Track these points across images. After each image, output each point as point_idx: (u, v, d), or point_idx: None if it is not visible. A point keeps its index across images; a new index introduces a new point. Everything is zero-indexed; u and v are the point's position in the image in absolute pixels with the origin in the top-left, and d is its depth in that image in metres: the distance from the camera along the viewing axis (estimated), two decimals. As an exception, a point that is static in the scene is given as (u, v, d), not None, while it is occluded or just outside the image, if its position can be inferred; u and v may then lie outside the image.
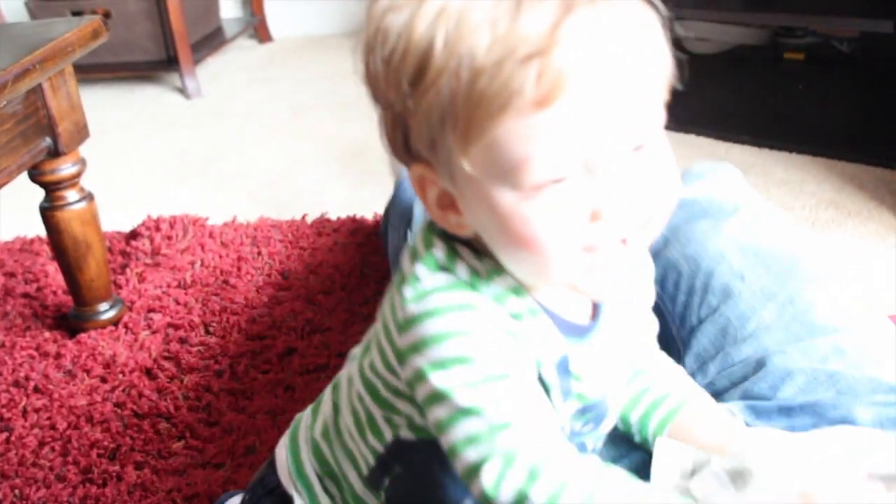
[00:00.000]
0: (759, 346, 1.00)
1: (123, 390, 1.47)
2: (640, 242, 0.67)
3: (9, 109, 1.36)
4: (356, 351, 0.83)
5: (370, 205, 2.03)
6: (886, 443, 0.81)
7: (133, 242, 1.93)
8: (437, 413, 0.68)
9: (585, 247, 0.64)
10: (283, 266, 1.79)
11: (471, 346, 0.67)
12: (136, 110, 2.92)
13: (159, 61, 3.05)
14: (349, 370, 0.83)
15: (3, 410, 1.44)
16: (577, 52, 0.59)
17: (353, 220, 1.97)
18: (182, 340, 1.59)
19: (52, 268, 1.85)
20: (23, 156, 1.41)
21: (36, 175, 1.51)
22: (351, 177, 2.27)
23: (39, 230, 1.84)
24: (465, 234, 0.70)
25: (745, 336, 1.01)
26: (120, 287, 1.76)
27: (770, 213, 1.18)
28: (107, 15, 2.90)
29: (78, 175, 1.54)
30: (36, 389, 1.48)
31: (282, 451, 0.91)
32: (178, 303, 1.70)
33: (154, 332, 1.62)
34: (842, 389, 0.92)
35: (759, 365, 0.97)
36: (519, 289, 0.71)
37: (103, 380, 1.50)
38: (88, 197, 1.57)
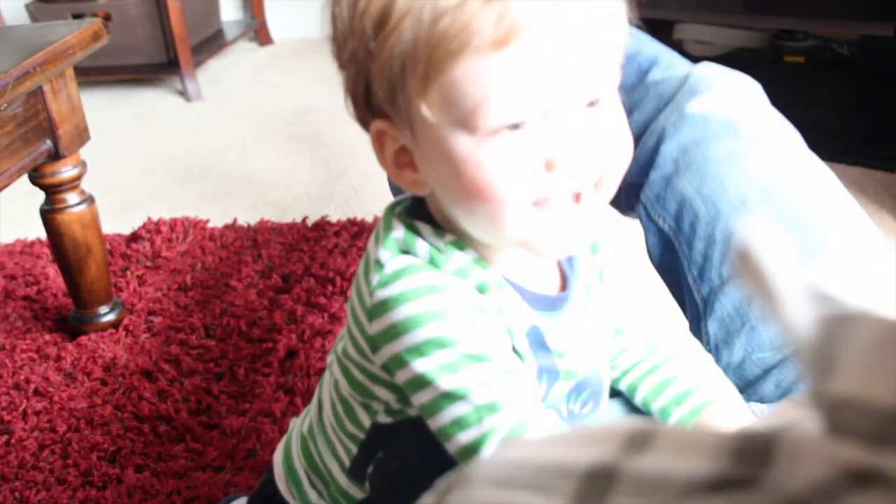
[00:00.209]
0: None
1: (124, 393, 1.46)
2: (594, 203, 0.68)
3: (9, 112, 1.36)
4: (334, 347, 0.84)
5: (370, 207, 2.03)
6: None
7: (133, 245, 1.93)
8: (421, 398, 0.69)
9: (537, 199, 0.65)
10: (284, 269, 1.79)
11: (446, 329, 0.67)
12: (137, 113, 2.92)
13: (160, 64, 3.05)
14: (329, 362, 0.84)
15: (4, 413, 1.44)
16: None
17: (353, 222, 1.96)
18: (182, 343, 1.59)
19: (53, 270, 1.85)
20: (23, 158, 1.41)
21: (36, 178, 1.51)
22: (351, 179, 2.27)
23: (40, 233, 1.84)
24: (421, 191, 0.71)
25: None
26: (120, 290, 1.76)
27: (794, 143, 1.10)
28: (107, 17, 2.90)
29: (78, 178, 1.54)
30: (36, 392, 1.48)
31: (278, 455, 0.92)
32: (178, 305, 1.70)
33: (154, 335, 1.62)
34: None
35: None
36: (482, 261, 0.71)
37: (104, 382, 1.50)
38: (89, 200, 1.57)
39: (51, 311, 1.74)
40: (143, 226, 2.00)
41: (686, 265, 1.04)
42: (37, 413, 1.44)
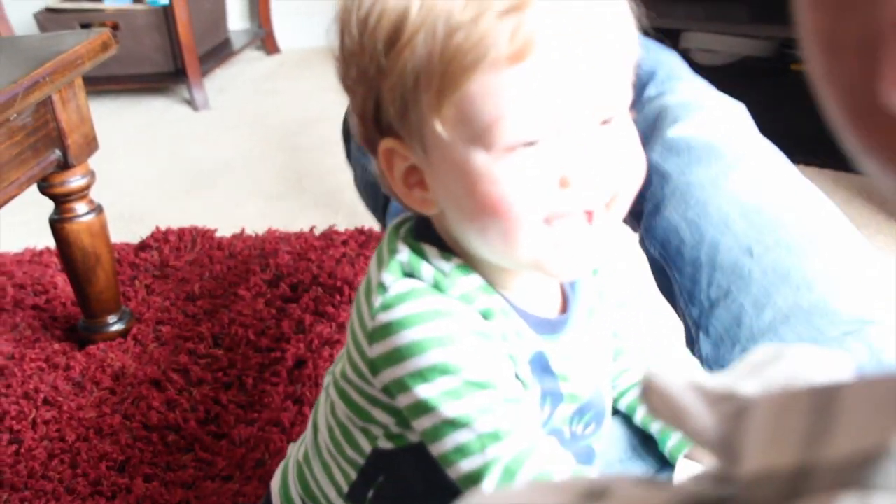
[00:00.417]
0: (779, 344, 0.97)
1: (132, 402, 1.47)
2: (606, 222, 0.67)
3: (19, 122, 1.36)
4: (331, 368, 0.83)
5: (378, 216, 2.03)
6: None
7: (142, 254, 1.93)
8: (423, 423, 0.69)
9: (550, 215, 0.65)
10: (292, 278, 1.80)
11: (450, 355, 0.67)
12: (144, 122, 2.93)
13: (167, 73, 3.06)
14: (325, 384, 0.83)
15: (13, 422, 1.44)
16: (551, 12, 0.60)
17: (360, 231, 1.97)
18: (191, 352, 1.59)
19: (62, 279, 1.86)
20: (32, 168, 1.41)
21: (45, 187, 1.52)
22: (359, 188, 2.27)
23: (49, 242, 1.84)
24: (429, 211, 0.70)
25: (762, 329, 0.95)
26: (129, 299, 1.77)
27: (776, 163, 1.10)
28: (115, 27, 2.91)
29: (87, 187, 1.55)
30: (45, 401, 1.49)
31: (275, 483, 0.92)
32: (186, 315, 1.71)
33: (163, 344, 1.62)
34: None
35: None
36: (488, 287, 0.71)
37: (112, 392, 1.50)
38: (97, 209, 1.58)
39: (60, 321, 1.75)
40: (152, 235, 2.00)
41: (678, 290, 1.04)
42: (46, 422, 1.44)
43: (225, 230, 2.04)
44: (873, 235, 1.83)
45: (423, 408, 0.68)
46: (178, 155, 2.63)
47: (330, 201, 2.21)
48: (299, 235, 1.97)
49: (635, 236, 1.14)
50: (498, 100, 0.61)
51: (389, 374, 0.70)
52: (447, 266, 0.70)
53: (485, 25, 0.60)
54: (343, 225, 2.02)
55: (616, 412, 0.90)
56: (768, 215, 1.01)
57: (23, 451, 1.38)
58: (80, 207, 1.55)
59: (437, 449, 0.68)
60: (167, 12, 2.91)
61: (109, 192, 2.01)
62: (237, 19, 3.56)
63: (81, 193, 1.54)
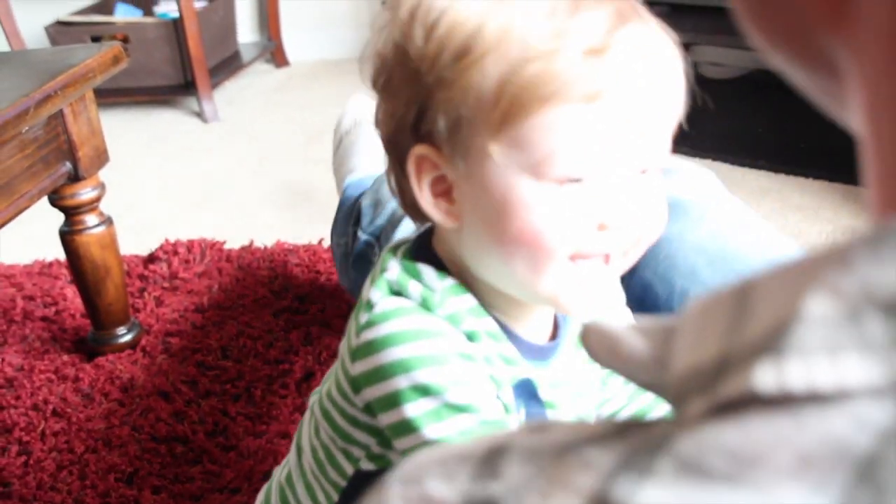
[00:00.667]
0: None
1: (141, 414, 1.47)
2: (619, 266, 0.68)
3: (30, 135, 1.37)
4: (318, 389, 0.83)
5: (387, 229, 2.03)
6: None
7: (151, 266, 1.94)
8: (404, 443, 0.69)
9: (577, 254, 0.65)
10: (300, 290, 1.80)
11: (434, 376, 0.66)
12: (154, 134, 2.94)
13: (177, 86, 3.07)
14: (311, 404, 0.83)
15: (23, 434, 1.44)
16: (629, 60, 0.61)
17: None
18: (199, 364, 1.59)
19: (71, 291, 1.86)
20: (43, 180, 1.42)
21: (56, 199, 1.52)
22: (367, 201, 2.27)
23: (58, 253, 1.85)
24: (450, 224, 0.70)
25: None
26: (138, 311, 1.77)
27: (742, 215, 1.13)
28: (125, 40, 2.92)
29: (97, 199, 1.55)
30: (54, 413, 1.49)
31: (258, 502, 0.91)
32: (195, 326, 1.71)
33: (171, 356, 1.63)
34: None
35: None
36: (478, 309, 0.70)
37: (121, 403, 1.51)
38: (107, 221, 1.58)
39: (69, 332, 1.75)
40: (161, 247, 2.01)
41: None
42: (55, 434, 1.44)
43: (234, 242, 2.04)
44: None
45: (404, 428, 0.68)
46: (188, 167, 2.64)
47: (338, 214, 2.22)
48: (307, 248, 1.97)
49: None
50: (560, 134, 0.61)
51: (371, 393, 0.69)
52: (439, 285, 0.70)
53: (565, 62, 0.60)
54: (352, 237, 2.02)
55: None
56: (733, 261, 1.05)
57: (32, 462, 1.38)
58: (90, 219, 1.56)
59: None
60: (177, 25, 2.93)
61: (119, 203, 2.02)
62: (247, 32, 3.58)
63: (91, 205, 1.55)
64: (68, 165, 1.47)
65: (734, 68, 2.82)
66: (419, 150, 0.68)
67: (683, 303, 1.03)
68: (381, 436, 0.72)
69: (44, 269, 2.00)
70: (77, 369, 1.61)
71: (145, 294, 1.83)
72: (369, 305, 0.70)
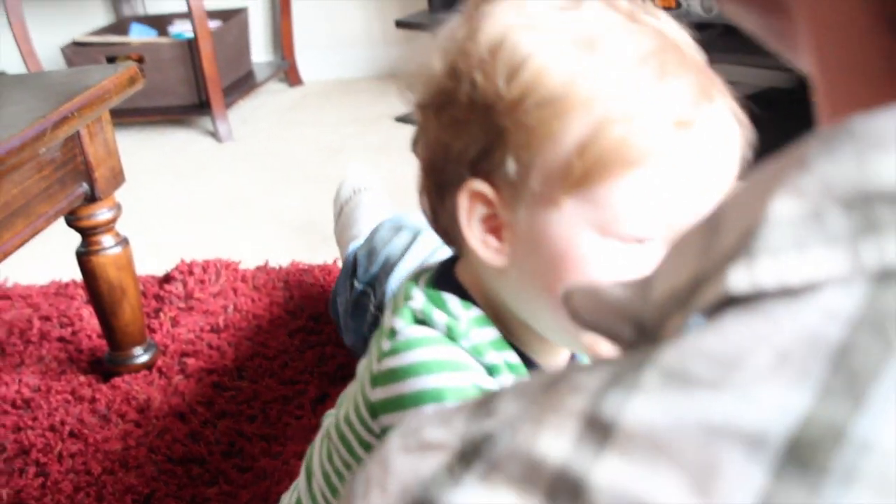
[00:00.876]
0: None
1: (157, 435, 1.47)
2: None
3: (47, 156, 1.38)
4: (331, 410, 0.83)
5: (401, 248, 2.03)
6: None
7: (166, 286, 1.94)
8: None
9: None
10: (315, 310, 1.80)
11: None
12: (168, 154, 2.95)
13: (191, 105, 3.08)
14: (325, 427, 0.83)
15: (40, 455, 1.44)
16: (710, 136, 0.63)
17: (384, 263, 1.97)
18: (215, 385, 1.59)
19: (87, 312, 1.87)
20: (60, 201, 1.43)
21: (72, 220, 1.53)
22: (381, 220, 2.27)
23: (75, 274, 1.85)
24: (495, 262, 0.69)
25: None
26: (154, 331, 1.77)
27: None
28: (140, 60, 2.94)
29: (113, 220, 1.56)
30: (71, 434, 1.49)
31: None
32: (211, 347, 1.71)
33: (188, 377, 1.63)
34: None
35: None
36: (500, 342, 0.70)
37: (137, 424, 1.51)
38: (123, 242, 1.59)
39: (85, 353, 1.75)
40: (176, 267, 2.01)
41: None
42: (72, 455, 1.44)
43: (249, 262, 2.05)
44: None
45: None
46: (202, 187, 2.65)
47: (353, 233, 2.22)
48: (322, 268, 1.97)
49: None
50: (637, 197, 0.62)
51: (389, 420, 0.69)
52: (465, 315, 0.70)
53: (656, 130, 0.61)
54: (366, 256, 2.02)
55: None
56: None
57: (49, 483, 1.38)
58: (107, 240, 1.56)
59: None
60: (192, 45, 2.94)
61: (133, 223, 2.02)
62: (260, 51, 3.59)
63: (108, 226, 1.55)
64: (85, 186, 1.48)
65: (747, 86, 2.82)
66: (476, 185, 0.67)
67: None
68: None
69: (60, 290, 2.00)
70: (94, 390, 1.61)
71: (161, 314, 1.84)
72: (392, 333, 0.70)
